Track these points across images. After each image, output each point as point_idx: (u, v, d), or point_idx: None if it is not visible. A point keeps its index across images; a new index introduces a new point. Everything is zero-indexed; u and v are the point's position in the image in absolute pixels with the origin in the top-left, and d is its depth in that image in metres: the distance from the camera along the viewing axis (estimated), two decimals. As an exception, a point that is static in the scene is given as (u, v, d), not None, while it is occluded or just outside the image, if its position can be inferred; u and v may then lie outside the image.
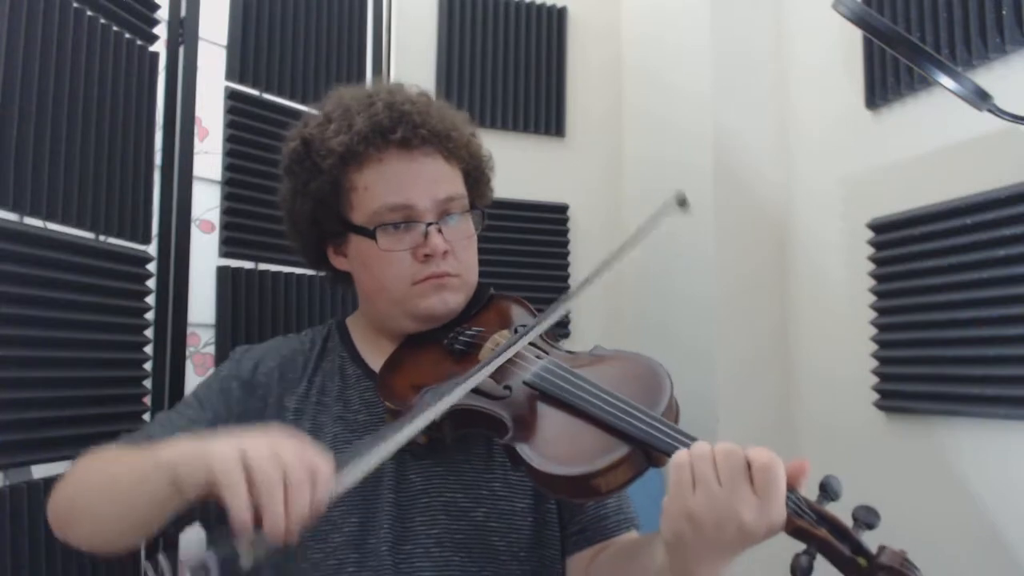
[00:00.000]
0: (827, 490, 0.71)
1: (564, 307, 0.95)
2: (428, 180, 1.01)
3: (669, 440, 0.76)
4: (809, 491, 0.72)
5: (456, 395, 0.83)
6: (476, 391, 0.89)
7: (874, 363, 1.71)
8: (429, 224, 0.99)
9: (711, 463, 0.69)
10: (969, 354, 1.48)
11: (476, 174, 1.10)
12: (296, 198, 1.05)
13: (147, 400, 1.50)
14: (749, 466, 0.69)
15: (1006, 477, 1.44)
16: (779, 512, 0.68)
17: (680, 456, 0.72)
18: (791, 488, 0.70)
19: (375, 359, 1.05)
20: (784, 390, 2.03)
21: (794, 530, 0.70)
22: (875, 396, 1.71)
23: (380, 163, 1.00)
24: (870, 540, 0.69)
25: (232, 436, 0.73)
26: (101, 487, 0.86)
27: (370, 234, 0.99)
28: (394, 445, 0.76)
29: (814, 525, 0.69)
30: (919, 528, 1.57)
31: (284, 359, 1.07)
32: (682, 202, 0.99)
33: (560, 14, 2.51)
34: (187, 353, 1.61)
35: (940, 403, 1.55)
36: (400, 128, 0.99)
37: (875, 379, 1.71)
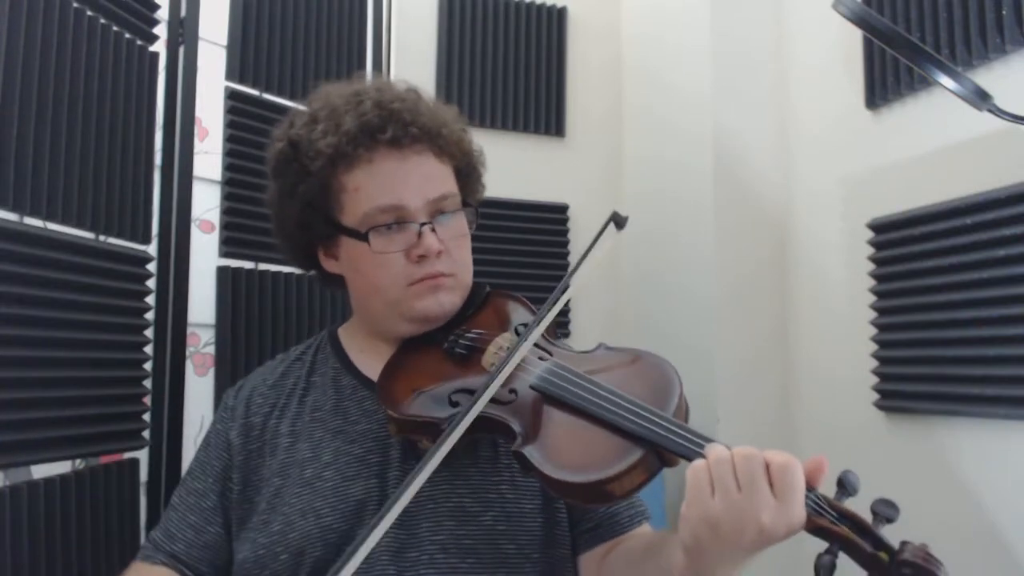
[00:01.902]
0: (845, 486, 0.71)
1: (559, 303, 0.93)
2: (420, 179, 0.99)
3: (683, 442, 0.75)
4: (826, 487, 0.71)
5: (474, 412, 0.81)
6: None
7: (874, 363, 1.71)
8: (422, 224, 0.97)
9: (730, 467, 0.69)
10: (969, 354, 1.48)
11: (468, 170, 1.08)
12: (284, 201, 1.03)
13: (147, 400, 1.50)
14: (767, 468, 0.68)
15: (1006, 477, 1.44)
16: (799, 512, 0.68)
17: (698, 461, 0.71)
18: (810, 487, 0.69)
19: (370, 366, 1.04)
20: (784, 390, 2.03)
21: (815, 529, 0.69)
22: (875, 396, 1.71)
23: (370, 164, 0.98)
24: (890, 534, 0.69)
25: None
26: None
27: (362, 237, 0.97)
28: (429, 471, 0.75)
29: (835, 523, 0.69)
30: (919, 528, 1.57)
31: (273, 387, 1.06)
32: (619, 223, 0.96)
33: (560, 14, 2.51)
34: (187, 353, 1.61)
35: (940, 403, 1.55)
36: (390, 127, 0.97)
37: (875, 379, 1.71)
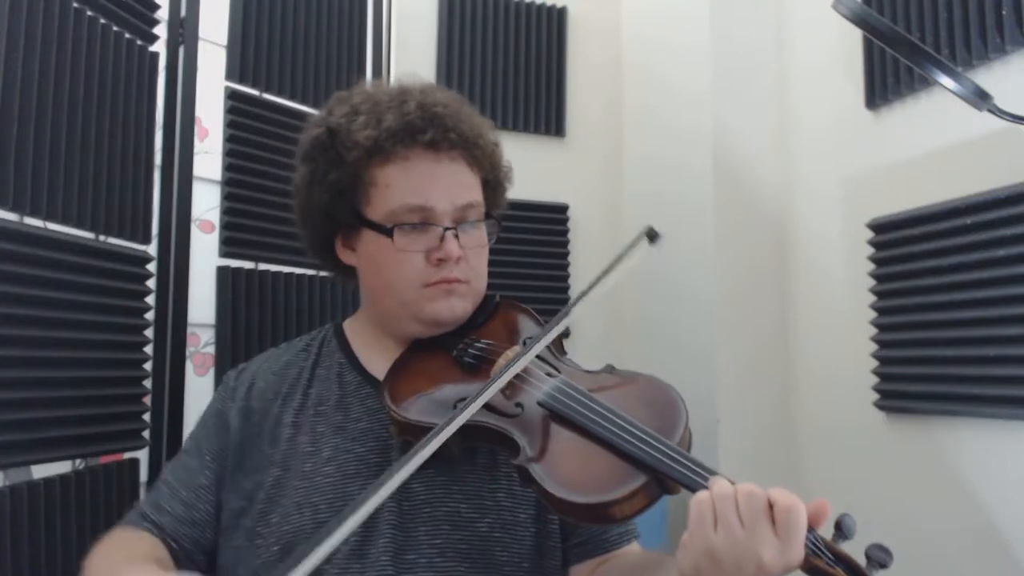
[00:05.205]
0: (842, 529, 0.72)
1: (564, 321, 0.94)
2: (450, 184, 1.00)
3: (687, 472, 0.75)
4: (824, 528, 0.73)
5: (467, 414, 0.81)
6: (487, 407, 0.88)
7: (874, 363, 1.71)
8: (447, 228, 0.98)
9: (733, 504, 0.70)
10: (969, 354, 1.48)
11: (495, 183, 1.10)
12: (313, 187, 1.04)
13: (147, 400, 1.50)
14: (771, 507, 0.69)
15: (1006, 477, 1.44)
16: (798, 552, 0.69)
17: (702, 495, 0.71)
18: (810, 528, 0.70)
19: (376, 364, 1.04)
20: (784, 390, 2.03)
21: (810, 568, 0.71)
22: (875, 396, 1.71)
23: (405, 162, 0.99)
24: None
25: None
26: None
27: (387, 232, 0.98)
28: (408, 471, 0.75)
29: (830, 565, 0.70)
30: (919, 528, 1.57)
31: (277, 374, 1.06)
32: (652, 236, 0.98)
33: (560, 14, 2.51)
34: (187, 353, 1.61)
35: (940, 403, 1.55)
36: (430, 130, 0.98)
37: (875, 379, 1.71)
